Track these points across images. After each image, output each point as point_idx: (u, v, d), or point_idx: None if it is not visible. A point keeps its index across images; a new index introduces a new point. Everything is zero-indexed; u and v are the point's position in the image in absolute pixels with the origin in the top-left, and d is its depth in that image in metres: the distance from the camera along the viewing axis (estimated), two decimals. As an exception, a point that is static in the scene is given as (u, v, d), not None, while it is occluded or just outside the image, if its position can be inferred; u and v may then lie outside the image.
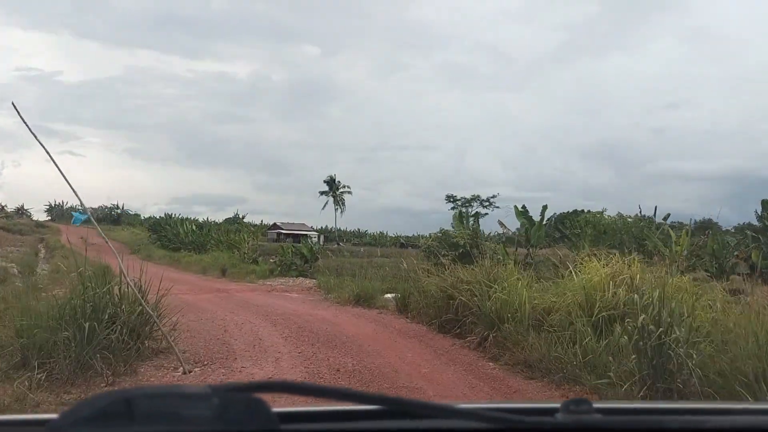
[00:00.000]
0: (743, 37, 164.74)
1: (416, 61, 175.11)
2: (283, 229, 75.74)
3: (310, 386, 0.95)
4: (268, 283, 23.96)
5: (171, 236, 50.55)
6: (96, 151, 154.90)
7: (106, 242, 9.80)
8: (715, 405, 1.61)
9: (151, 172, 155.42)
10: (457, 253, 17.00)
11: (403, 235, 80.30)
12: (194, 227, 52.08)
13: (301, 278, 25.60)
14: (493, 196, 71.75)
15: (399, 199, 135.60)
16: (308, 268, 27.12)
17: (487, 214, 72.81)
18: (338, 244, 74.81)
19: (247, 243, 35.82)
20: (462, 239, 17.64)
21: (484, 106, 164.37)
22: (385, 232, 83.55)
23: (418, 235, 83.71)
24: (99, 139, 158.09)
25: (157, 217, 57.83)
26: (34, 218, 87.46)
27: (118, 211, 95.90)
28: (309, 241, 27.49)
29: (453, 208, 71.52)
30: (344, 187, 78.63)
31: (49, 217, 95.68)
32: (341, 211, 79.22)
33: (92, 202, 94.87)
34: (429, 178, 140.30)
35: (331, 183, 78.37)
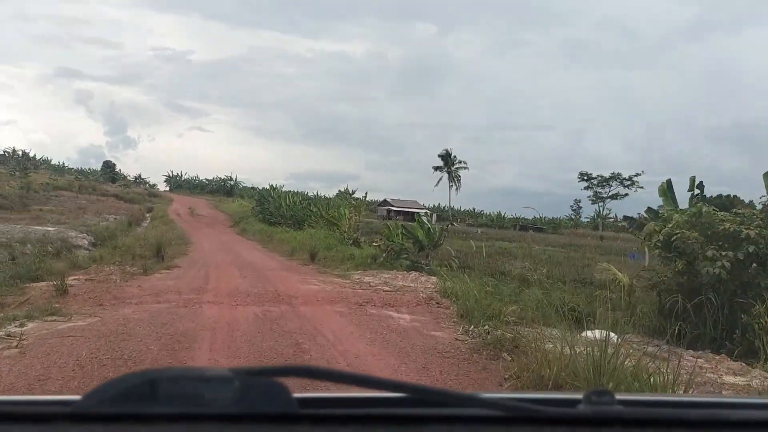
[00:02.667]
0: None
1: (535, 38, 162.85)
2: (393, 205, 68.76)
3: (330, 371, 0.93)
4: (367, 279, 16.17)
5: (272, 209, 44.64)
6: (222, 127, 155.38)
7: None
8: (738, 399, 1.60)
9: (271, 148, 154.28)
10: (741, 255, 8.62)
11: (520, 216, 71.06)
12: (297, 201, 45.89)
13: (414, 273, 17.66)
14: (637, 175, 60.55)
15: (510, 179, 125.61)
16: (424, 256, 19.15)
17: (627, 194, 62.52)
18: (451, 223, 66.81)
19: (348, 219, 28.38)
20: (752, 230, 8.88)
21: (605, 85, 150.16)
22: (502, 213, 74.48)
23: (540, 218, 74.72)
24: (225, 116, 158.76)
25: (260, 189, 51.94)
26: (158, 188, 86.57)
27: (231, 182, 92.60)
28: (421, 219, 19.14)
29: (587, 188, 61.85)
30: (460, 162, 70.36)
31: (167, 187, 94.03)
32: (456, 189, 71.06)
33: (211, 174, 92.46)
34: (543, 159, 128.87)
35: (447, 158, 70.17)
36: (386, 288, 14.23)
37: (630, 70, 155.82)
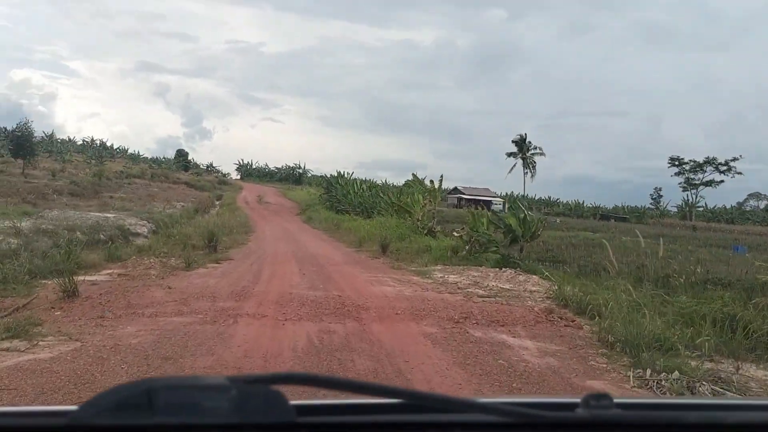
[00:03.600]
0: None
1: (609, 21, 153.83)
2: (464, 193, 64.97)
3: (327, 379, 0.92)
4: (452, 278, 13.00)
5: (340, 197, 42.14)
6: (292, 117, 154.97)
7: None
8: (736, 401, 1.48)
9: (340, 137, 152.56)
10: None
11: (600, 204, 66.02)
12: (365, 188, 43.21)
13: (507, 270, 14.32)
14: (734, 159, 54.17)
15: (583, 168, 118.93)
16: (517, 250, 15.76)
17: (722, 182, 56.50)
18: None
19: (422, 207, 25.21)
20: None
21: (683, 68, 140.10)
22: (580, 201, 69.47)
23: (622, 207, 69.24)
24: (294, 107, 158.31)
25: (328, 176, 49.42)
26: (230, 176, 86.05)
27: (300, 170, 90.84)
28: (517, 204, 15.65)
29: (678, 173, 56.28)
30: (535, 148, 65.74)
31: (238, 175, 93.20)
32: (531, 176, 66.46)
33: (280, 162, 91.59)
34: (617, 147, 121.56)
35: (521, 143, 65.75)
36: (480, 292, 11.00)
37: (709, 52, 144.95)
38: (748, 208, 71.70)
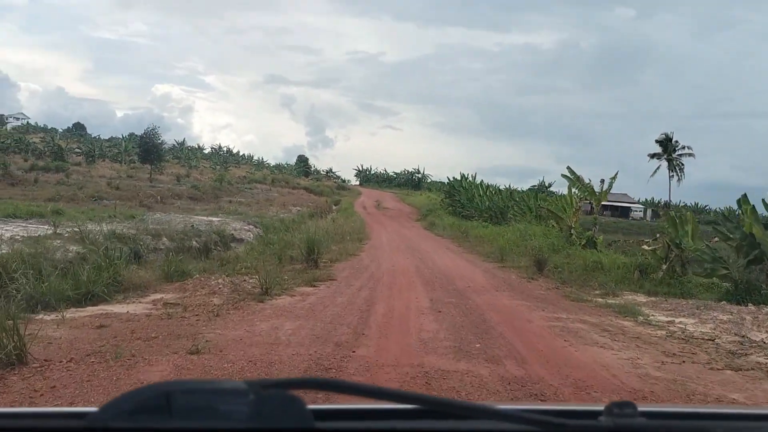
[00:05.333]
0: None
1: (748, 15, 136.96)
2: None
3: (345, 384, 0.89)
4: (689, 326, 7.47)
5: (464, 201, 37.35)
6: (409, 125, 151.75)
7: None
8: (763, 410, 1.25)
9: (456, 144, 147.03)
10: None
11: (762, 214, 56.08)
12: (494, 191, 38.10)
13: (755, 307, 8.64)
14: None
15: (721, 173, 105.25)
16: (762, 274, 9.97)
17: None
18: (672, 220, 54.29)
19: (576, 212, 19.68)
20: None
21: None
22: (734, 209, 59.59)
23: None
24: (412, 114, 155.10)
25: (450, 180, 44.52)
26: (349, 182, 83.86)
27: (419, 175, 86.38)
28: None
29: None
30: (683, 147, 56.89)
31: (357, 181, 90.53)
32: (678, 179, 57.62)
33: (399, 168, 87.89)
34: (760, 150, 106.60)
35: (666, 143, 57.16)
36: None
37: None
38: None
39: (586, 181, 19.47)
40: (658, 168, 57.12)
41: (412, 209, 46.49)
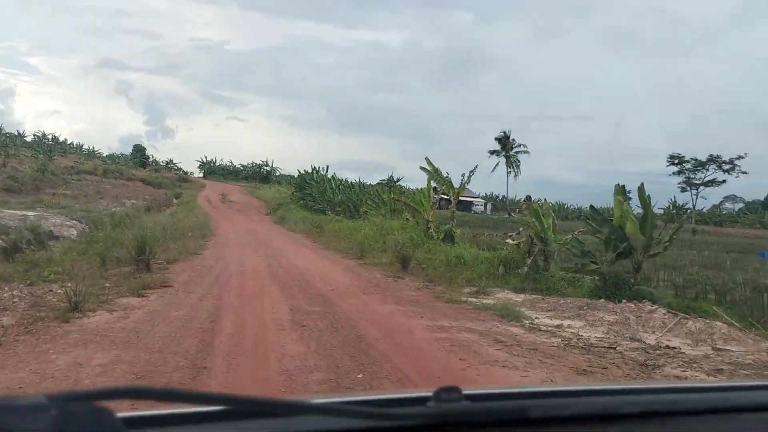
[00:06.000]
0: None
1: (575, 26, 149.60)
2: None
3: (153, 390, 0.81)
4: (578, 329, 6.66)
5: (316, 194, 35.98)
6: (257, 117, 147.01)
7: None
8: (585, 387, 1.18)
9: (306, 137, 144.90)
10: None
11: (580, 206, 60.74)
12: (343, 185, 37.22)
13: (625, 303, 8.18)
14: (739, 157, 48.70)
15: (549, 170, 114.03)
16: (631, 269, 9.60)
17: (724, 181, 51.46)
18: (509, 214, 57.06)
19: (434, 206, 19.11)
20: None
21: (648, 74, 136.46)
22: (564, 204, 64.10)
23: (606, 208, 64.12)
24: (261, 106, 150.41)
25: (302, 172, 42.95)
26: (192, 174, 78.49)
27: (267, 168, 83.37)
28: (622, 197, 9.26)
29: (679, 173, 51.10)
30: (519, 145, 60.05)
31: (201, 173, 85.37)
32: (515, 175, 60.70)
33: (246, 160, 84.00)
34: (584, 150, 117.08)
35: (504, 141, 60.00)
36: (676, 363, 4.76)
37: (672, 58, 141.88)
38: (724, 211, 68.39)
39: (444, 174, 18.91)
40: (497, 164, 59.70)
41: (261, 203, 44.56)
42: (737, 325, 7.07)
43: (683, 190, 51.98)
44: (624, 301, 8.60)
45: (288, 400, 0.90)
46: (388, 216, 23.10)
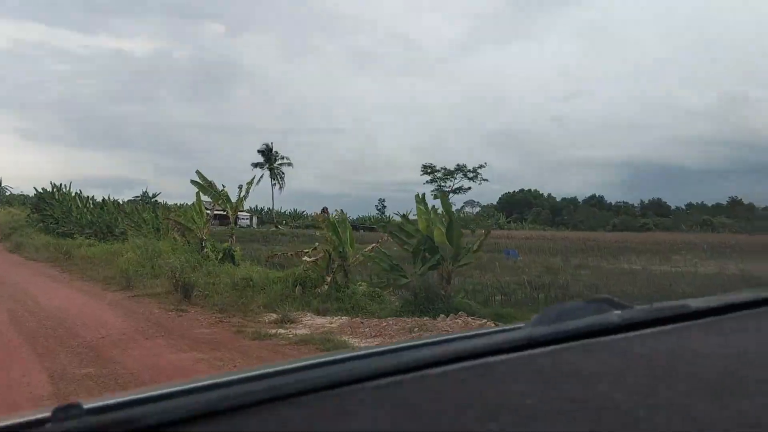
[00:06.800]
0: (636, 33, 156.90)
1: (325, 45, 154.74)
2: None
3: None
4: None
5: (59, 215, 31.29)
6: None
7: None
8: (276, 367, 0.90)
9: (42, 153, 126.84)
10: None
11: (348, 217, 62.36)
12: (92, 204, 32.95)
13: (448, 320, 7.70)
14: (481, 167, 53.85)
15: (309, 182, 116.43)
16: (440, 281, 9.13)
17: (470, 188, 56.28)
18: (276, 226, 56.10)
19: (207, 223, 17.34)
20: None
21: (393, 92, 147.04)
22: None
23: (369, 217, 66.85)
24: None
25: (40, 190, 37.04)
26: None
27: (-6, 187, 71.11)
28: (422, 207, 8.83)
29: (432, 181, 54.51)
30: (283, 158, 59.28)
31: None
32: (280, 187, 59.74)
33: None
34: (339, 162, 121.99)
35: (268, 153, 58.73)
36: None
37: (414, 78, 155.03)
38: (462, 215, 76.35)
39: (219, 187, 17.14)
40: (261, 177, 58.26)
41: (-10, 227, 37.65)
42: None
43: (435, 197, 56.15)
44: (442, 315, 8.07)
45: None
46: (151, 236, 20.48)
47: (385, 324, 7.53)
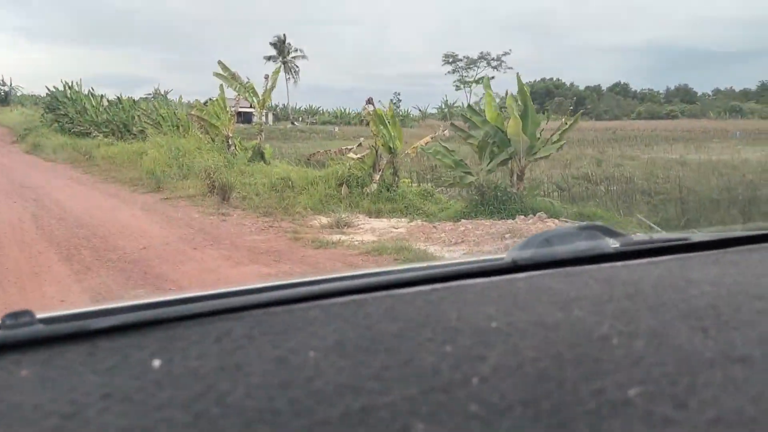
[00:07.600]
0: None
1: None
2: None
3: None
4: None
5: (74, 115, 30.02)
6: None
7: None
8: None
9: (49, 52, 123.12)
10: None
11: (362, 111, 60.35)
12: (107, 101, 31.47)
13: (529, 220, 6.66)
14: (505, 54, 50.84)
15: (323, 76, 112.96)
16: (511, 177, 8.04)
17: (493, 78, 53.41)
18: (293, 123, 54.55)
19: (231, 119, 16.13)
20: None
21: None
22: (344, 109, 62.94)
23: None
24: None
25: (52, 89, 35.60)
26: None
27: (5, 88, 69.20)
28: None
29: (453, 71, 51.87)
30: (296, 50, 56.45)
31: None
32: (295, 82, 57.41)
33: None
34: (351, 55, 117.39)
35: (280, 45, 55.91)
36: None
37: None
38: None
39: (244, 79, 15.70)
40: (280, 68, 55.81)
41: (3, 129, 36.40)
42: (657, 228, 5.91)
43: (457, 88, 53.85)
44: (520, 217, 7.04)
45: None
46: (170, 134, 19.33)
47: (463, 228, 6.52)
